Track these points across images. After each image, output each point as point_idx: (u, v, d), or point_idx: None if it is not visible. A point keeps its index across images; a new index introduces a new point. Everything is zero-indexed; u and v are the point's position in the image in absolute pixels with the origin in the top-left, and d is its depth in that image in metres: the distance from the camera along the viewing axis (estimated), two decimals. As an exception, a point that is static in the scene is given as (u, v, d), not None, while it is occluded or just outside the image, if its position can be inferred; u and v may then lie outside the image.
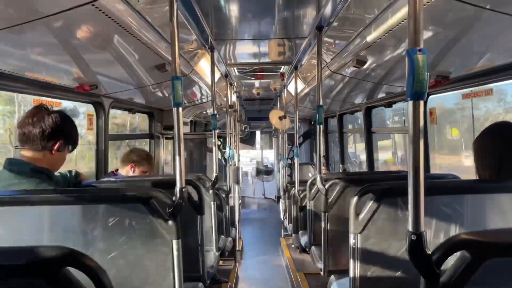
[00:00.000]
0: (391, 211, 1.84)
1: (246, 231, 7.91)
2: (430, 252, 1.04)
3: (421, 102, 1.08)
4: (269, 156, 13.20)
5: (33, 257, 0.92)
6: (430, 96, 3.26)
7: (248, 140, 12.31)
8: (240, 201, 7.06)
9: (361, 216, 1.86)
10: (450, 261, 1.03)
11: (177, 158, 1.90)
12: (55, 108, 1.99)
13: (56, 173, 2.14)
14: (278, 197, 9.52)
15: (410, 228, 1.08)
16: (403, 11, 1.99)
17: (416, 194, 1.06)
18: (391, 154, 6.43)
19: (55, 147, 1.88)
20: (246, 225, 8.61)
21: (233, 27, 3.08)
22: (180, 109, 1.88)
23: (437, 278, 1.02)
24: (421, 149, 1.08)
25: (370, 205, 1.84)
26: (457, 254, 1.02)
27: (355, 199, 1.88)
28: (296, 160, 4.54)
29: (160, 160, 5.50)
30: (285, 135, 7.27)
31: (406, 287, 1.76)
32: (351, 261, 1.91)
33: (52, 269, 0.92)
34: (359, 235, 1.87)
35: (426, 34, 2.14)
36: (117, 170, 3.48)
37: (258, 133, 13.25)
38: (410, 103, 1.08)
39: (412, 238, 1.07)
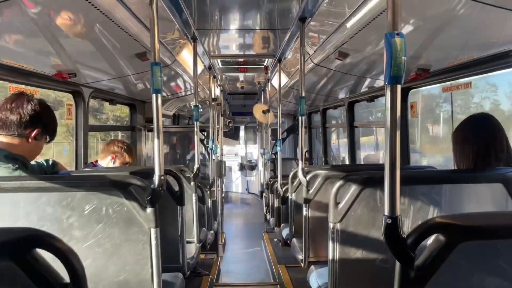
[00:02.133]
0: (370, 200, 1.85)
1: (229, 226, 7.90)
2: (405, 236, 1.05)
3: (398, 87, 1.09)
4: (253, 151, 13.20)
5: (0, 238, 0.89)
6: (411, 90, 3.31)
7: (232, 135, 12.28)
8: (223, 195, 7.04)
9: (340, 205, 1.87)
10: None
11: (156, 146, 1.87)
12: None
13: (32, 162, 2.09)
14: (262, 192, 9.53)
15: (386, 212, 1.09)
16: (384, 2, 1.99)
17: (392, 177, 1.07)
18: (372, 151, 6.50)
19: (32, 135, 1.85)
20: (229, 219, 8.61)
21: (216, 18, 3.05)
22: (160, 96, 1.86)
23: (412, 261, 1.03)
24: (398, 134, 1.09)
25: (350, 194, 1.85)
26: (432, 237, 1.03)
27: (335, 188, 1.89)
28: (279, 154, 4.55)
29: (142, 153, 5.43)
30: (269, 130, 7.27)
31: (383, 275, 1.77)
32: (330, 250, 1.92)
33: (20, 250, 0.89)
34: (338, 224, 1.88)
35: (407, 27, 2.16)
36: (96, 161, 3.42)
37: (242, 128, 13.23)
38: (388, 87, 1.09)
39: (388, 221, 1.07)
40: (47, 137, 1.96)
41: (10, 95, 1.92)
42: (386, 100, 1.09)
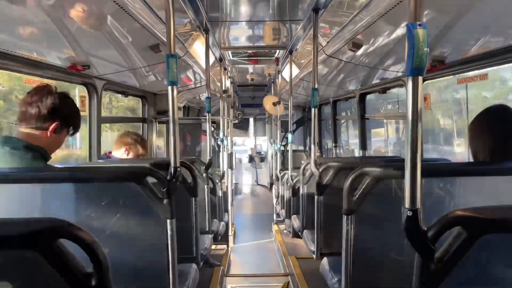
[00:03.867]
0: (384, 193, 1.85)
1: (239, 217, 7.94)
2: (425, 229, 1.05)
3: (420, 78, 1.07)
4: (263, 143, 13.20)
5: (26, 229, 0.91)
6: (425, 82, 3.27)
7: (241, 126, 12.29)
8: (233, 187, 7.07)
9: (354, 198, 1.86)
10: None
11: (171, 138, 1.88)
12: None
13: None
14: (271, 184, 9.55)
15: (406, 205, 1.09)
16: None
17: (413, 170, 1.06)
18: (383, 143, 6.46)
19: (51, 128, 1.85)
20: (239, 210, 8.65)
21: (228, 9, 3.04)
22: (175, 88, 1.86)
23: (432, 254, 1.03)
24: (419, 127, 1.08)
25: (364, 186, 1.84)
26: (453, 230, 1.02)
27: (349, 180, 1.88)
28: (289, 145, 4.55)
29: (153, 145, 5.47)
30: (279, 122, 7.26)
31: (398, 266, 1.77)
32: (344, 243, 1.92)
33: (45, 241, 0.91)
34: (352, 216, 1.88)
35: (423, 18, 2.13)
36: (110, 152, 3.46)
37: (251, 120, 13.22)
38: (410, 79, 1.08)
39: (408, 214, 1.07)
40: (69, 130, 1.96)
41: (34, 87, 1.93)
42: (407, 92, 1.08)
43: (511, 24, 2.09)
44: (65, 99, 1.91)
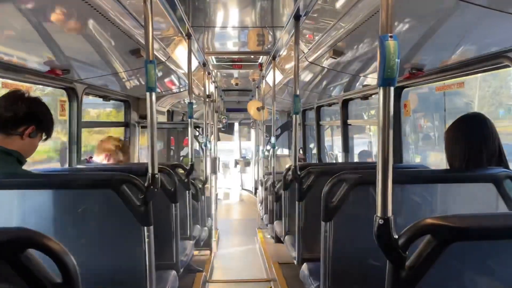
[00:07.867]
0: (362, 199, 1.87)
1: (223, 222, 7.91)
2: (397, 237, 1.06)
3: (391, 89, 1.09)
4: (247, 147, 13.18)
5: None
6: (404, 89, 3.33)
7: (226, 131, 12.26)
8: (217, 191, 7.05)
9: (333, 204, 1.88)
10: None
11: (149, 144, 1.87)
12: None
13: None
14: (256, 189, 9.55)
15: (378, 213, 1.10)
16: (378, 2, 2.00)
17: (385, 179, 1.08)
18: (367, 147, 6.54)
19: (26, 133, 1.84)
20: (223, 215, 8.62)
21: (211, 15, 3.04)
22: (154, 94, 1.85)
23: (403, 261, 1.04)
24: (391, 136, 1.10)
25: (342, 193, 1.86)
26: (424, 238, 1.04)
27: (327, 186, 1.90)
28: (272, 150, 4.56)
29: (136, 150, 5.42)
30: (263, 127, 7.27)
31: (376, 273, 1.79)
32: (323, 249, 1.94)
33: (13, 251, 0.89)
34: (331, 222, 1.90)
35: (401, 27, 2.17)
36: (91, 157, 3.42)
37: (236, 124, 13.20)
38: (381, 89, 1.10)
39: (380, 222, 1.08)
40: (42, 135, 1.96)
41: (5, 92, 1.92)
42: (379, 101, 1.10)
43: (486, 34, 2.15)
44: (38, 103, 1.91)
